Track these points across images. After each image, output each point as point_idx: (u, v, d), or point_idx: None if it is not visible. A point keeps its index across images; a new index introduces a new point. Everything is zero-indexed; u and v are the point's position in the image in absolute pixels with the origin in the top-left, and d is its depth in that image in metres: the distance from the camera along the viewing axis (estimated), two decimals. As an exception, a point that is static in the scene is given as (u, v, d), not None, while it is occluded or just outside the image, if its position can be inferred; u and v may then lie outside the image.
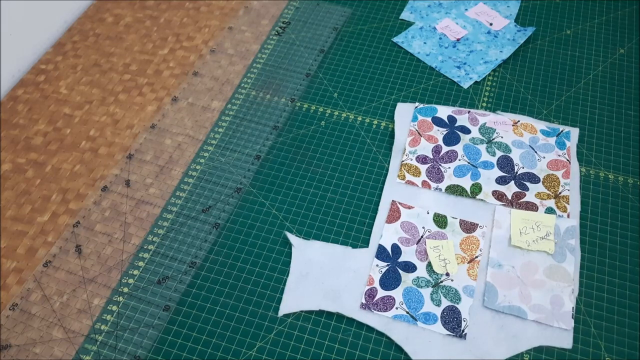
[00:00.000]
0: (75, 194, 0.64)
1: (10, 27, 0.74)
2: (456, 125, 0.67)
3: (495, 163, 0.63)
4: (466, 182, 0.62)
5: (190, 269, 0.58)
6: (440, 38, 0.77)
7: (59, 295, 0.56)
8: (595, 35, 0.77)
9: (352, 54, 0.76)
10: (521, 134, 0.65)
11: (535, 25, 0.78)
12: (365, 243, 0.59)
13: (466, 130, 0.66)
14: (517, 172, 0.62)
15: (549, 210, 0.59)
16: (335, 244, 0.59)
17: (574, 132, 0.66)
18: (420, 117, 0.68)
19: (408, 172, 0.63)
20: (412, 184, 0.62)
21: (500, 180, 0.62)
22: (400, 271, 0.56)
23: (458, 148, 0.65)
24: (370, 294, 0.55)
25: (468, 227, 0.59)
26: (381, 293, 0.55)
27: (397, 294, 0.55)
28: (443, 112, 0.68)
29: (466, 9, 0.80)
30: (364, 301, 0.54)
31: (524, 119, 0.67)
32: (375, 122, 0.69)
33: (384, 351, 0.52)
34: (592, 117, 0.68)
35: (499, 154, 0.64)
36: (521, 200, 0.60)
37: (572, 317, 0.53)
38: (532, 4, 0.81)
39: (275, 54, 0.77)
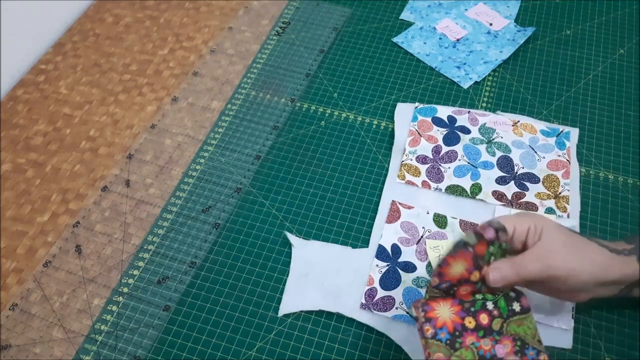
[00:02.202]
0: (75, 194, 0.64)
1: (10, 27, 0.74)
2: (456, 125, 0.67)
3: (495, 163, 0.63)
4: (466, 182, 0.62)
5: (190, 269, 0.58)
6: (440, 38, 0.77)
7: (59, 295, 0.56)
8: (595, 35, 0.77)
9: (352, 54, 0.76)
10: (521, 134, 0.65)
11: (535, 26, 0.78)
12: (365, 243, 0.59)
13: (466, 131, 0.66)
14: (517, 172, 0.62)
15: (549, 211, 0.59)
16: (335, 244, 0.59)
17: (574, 133, 0.66)
18: (420, 117, 0.68)
19: (408, 172, 0.63)
20: (412, 184, 0.62)
21: (500, 181, 0.62)
22: (400, 271, 0.56)
23: (458, 148, 0.65)
24: (370, 294, 0.55)
25: (468, 227, 0.59)
26: (381, 293, 0.55)
27: (397, 294, 0.55)
28: (443, 112, 0.68)
29: (466, 9, 0.80)
30: (363, 301, 0.54)
31: (524, 119, 0.67)
32: (375, 122, 0.69)
33: (384, 351, 0.52)
34: (592, 118, 0.68)
35: (498, 154, 0.64)
36: (521, 201, 0.60)
37: (572, 317, 0.52)
38: (532, 4, 0.81)
39: (275, 54, 0.77)
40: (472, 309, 0.45)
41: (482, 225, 0.44)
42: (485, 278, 0.45)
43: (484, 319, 0.44)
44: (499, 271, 0.45)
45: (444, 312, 0.44)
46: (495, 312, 0.45)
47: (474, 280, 0.45)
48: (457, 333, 0.43)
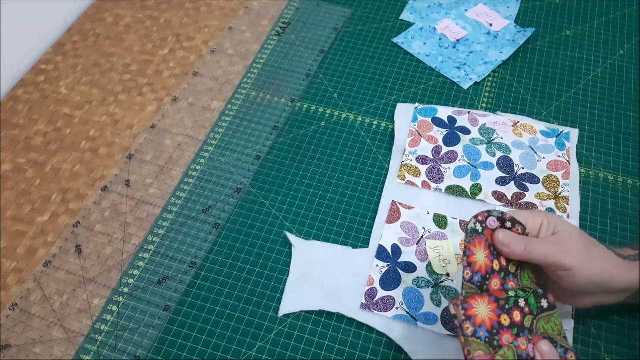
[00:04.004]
0: (75, 194, 0.64)
1: (10, 27, 0.74)
2: (456, 125, 0.67)
3: (495, 164, 0.63)
4: (466, 183, 0.62)
5: (190, 269, 0.58)
6: (440, 39, 0.77)
7: (59, 295, 0.56)
8: (595, 36, 0.77)
9: (352, 54, 0.76)
10: (521, 135, 0.65)
11: (535, 26, 0.78)
12: (366, 243, 0.59)
13: (466, 131, 0.66)
14: (517, 173, 0.62)
15: (549, 211, 0.59)
16: (336, 244, 0.59)
17: (574, 133, 0.66)
18: (420, 118, 0.68)
19: (408, 173, 0.63)
20: (412, 184, 0.62)
21: (500, 181, 0.62)
22: (401, 271, 0.56)
23: (458, 149, 0.65)
24: (371, 294, 0.55)
25: (468, 227, 0.59)
26: (381, 293, 0.55)
27: (397, 294, 0.55)
28: (443, 112, 0.68)
29: (466, 10, 0.80)
30: (364, 301, 0.54)
31: (524, 120, 0.67)
32: (376, 122, 0.69)
33: (384, 351, 0.52)
34: (591, 118, 0.68)
35: (499, 154, 0.64)
36: (521, 201, 0.60)
37: (572, 317, 0.53)
38: (532, 4, 0.81)
39: (276, 54, 0.77)
40: (507, 307, 0.45)
41: (481, 213, 0.45)
42: (494, 237, 0.45)
43: (517, 316, 0.45)
44: (509, 235, 0.45)
45: (482, 310, 0.44)
46: (527, 309, 0.45)
47: (497, 269, 0.45)
48: (494, 331, 0.43)
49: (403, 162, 0.64)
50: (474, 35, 0.77)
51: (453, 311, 0.44)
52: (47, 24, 0.80)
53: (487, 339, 0.43)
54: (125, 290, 0.57)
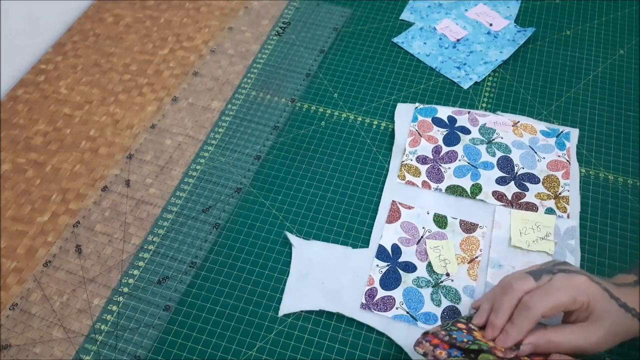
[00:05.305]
0: (75, 194, 0.64)
1: (10, 27, 0.74)
2: (456, 125, 0.67)
3: (495, 163, 0.63)
4: (466, 183, 0.62)
5: (190, 269, 0.58)
6: (440, 38, 0.77)
7: (59, 295, 0.56)
8: (595, 36, 0.77)
9: (352, 54, 0.76)
10: (521, 135, 0.65)
11: (535, 26, 0.78)
12: (365, 243, 0.59)
13: (466, 131, 0.66)
14: (517, 173, 0.62)
15: (549, 211, 0.59)
16: (336, 244, 0.59)
17: (574, 133, 0.66)
18: (420, 118, 0.68)
19: (408, 173, 0.63)
20: (412, 184, 0.62)
21: (500, 181, 0.62)
22: (401, 271, 0.56)
23: (458, 148, 0.65)
24: (371, 294, 0.55)
25: (468, 227, 0.59)
26: (381, 293, 0.55)
27: (397, 294, 0.55)
28: (443, 112, 0.68)
29: (466, 10, 0.80)
30: (364, 301, 0.54)
31: (524, 120, 0.67)
32: (376, 122, 0.69)
33: (384, 351, 0.52)
34: (592, 118, 0.68)
35: (499, 154, 0.64)
36: (521, 201, 0.60)
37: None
38: (532, 4, 0.81)
39: (276, 54, 0.77)
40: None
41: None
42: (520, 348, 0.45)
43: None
44: (530, 346, 0.46)
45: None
46: None
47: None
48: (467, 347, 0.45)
49: (403, 161, 0.64)
50: (474, 35, 0.77)
51: (421, 350, 0.45)
52: (47, 24, 0.80)
53: (463, 355, 0.44)
54: (125, 290, 0.57)
